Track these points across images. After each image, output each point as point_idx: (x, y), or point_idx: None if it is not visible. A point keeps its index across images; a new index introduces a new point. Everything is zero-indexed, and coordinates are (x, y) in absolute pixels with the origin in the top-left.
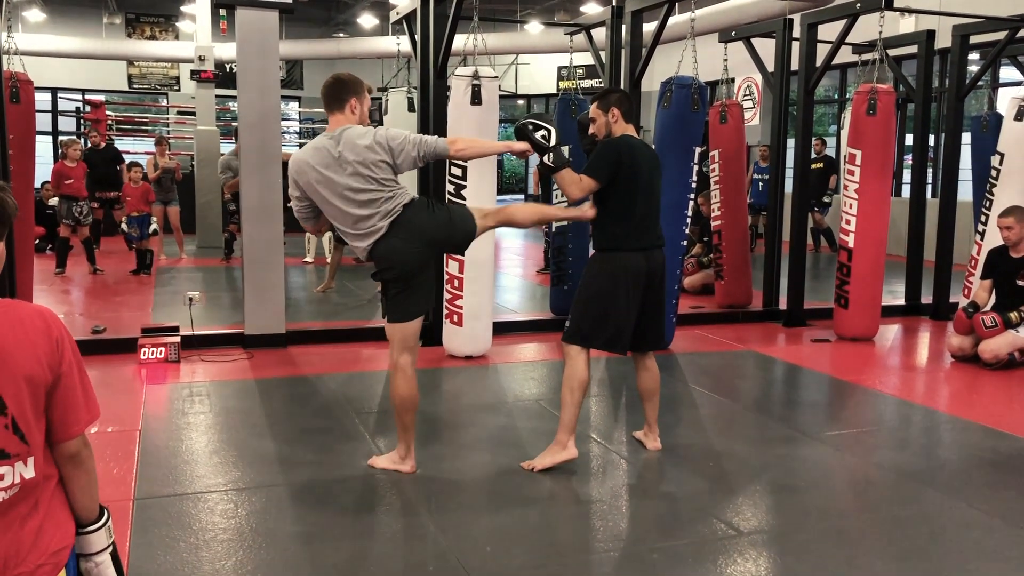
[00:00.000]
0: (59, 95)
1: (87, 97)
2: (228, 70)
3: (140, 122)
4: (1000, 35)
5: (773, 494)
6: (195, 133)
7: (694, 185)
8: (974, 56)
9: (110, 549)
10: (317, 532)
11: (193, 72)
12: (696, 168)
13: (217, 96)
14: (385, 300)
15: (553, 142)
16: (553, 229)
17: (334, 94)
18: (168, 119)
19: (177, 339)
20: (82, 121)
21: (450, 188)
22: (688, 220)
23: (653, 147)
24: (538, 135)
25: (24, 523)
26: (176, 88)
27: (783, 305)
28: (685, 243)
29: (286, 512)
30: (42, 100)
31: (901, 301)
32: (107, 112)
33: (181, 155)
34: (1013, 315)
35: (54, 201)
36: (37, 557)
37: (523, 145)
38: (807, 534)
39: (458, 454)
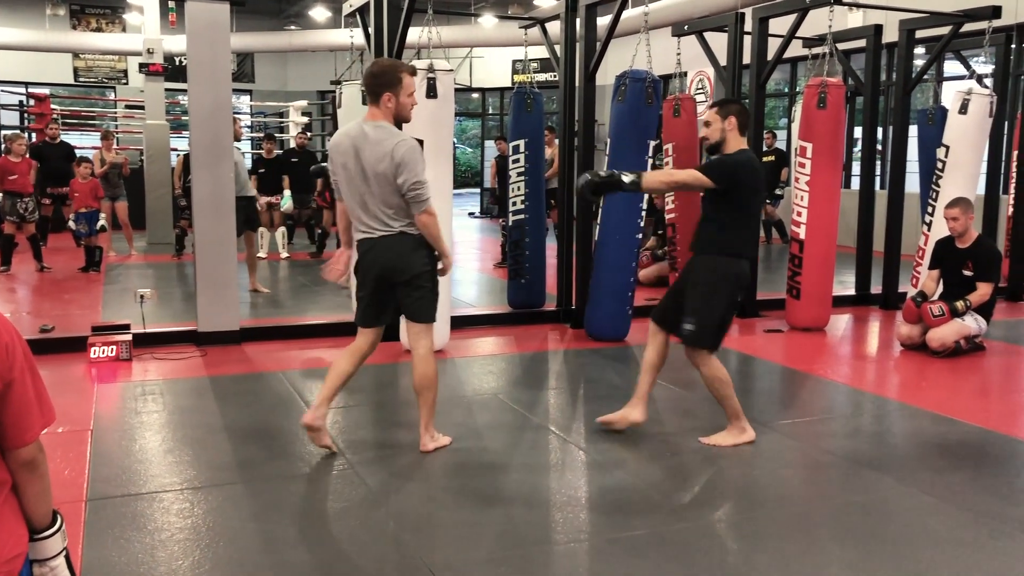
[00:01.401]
0: (1, 88)
1: (31, 91)
2: (178, 63)
3: (87, 116)
4: (944, 30)
5: (730, 483)
6: (144, 127)
7: None
8: (920, 51)
9: (64, 553)
10: (275, 530)
11: (141, 65)
12: (651, 161)
13: (167, 90)
14: (412, 300)
15: (624, 177)
16: (511, 223)
17: (368, 88)
18: (116, 113)
19: (128, 337)
20: (26, 115)
21: None
22: (643, 213)
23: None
24: (599, 181)
25: None
26: (124, 81)
27: None
28: (640, 236)
29: (243, 511)
30: None
31: (851, 291)
32: (52, 106)
33: (130, 150)
34: (959, 304)
35: None
36: None
37: (448, 267)
38: (764, 522)
39: (417, 449)
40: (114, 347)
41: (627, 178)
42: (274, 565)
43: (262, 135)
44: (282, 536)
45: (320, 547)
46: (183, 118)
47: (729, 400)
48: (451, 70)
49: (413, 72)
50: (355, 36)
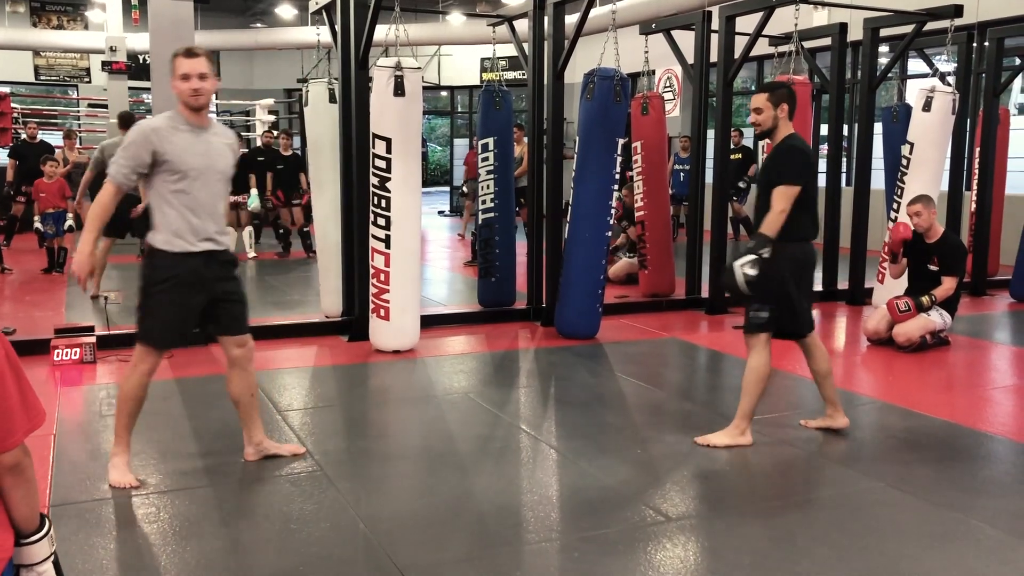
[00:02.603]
0: None
1: None
2: (141, 61)
3: (49, 115)
4: (908, 28)
5: (699, 479)
6: (108, 126)
7: (618, 176)
8: (884, 49)
9: (52, 558)
10: (244, 533)
11: (105, 63)
12: (620, 159)
13: (130, 88)
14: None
15: (756, 256)
16: (480, 221)
17: None
18: (79, 112)
19: (92, 339)
20: None
21: (374, 180)
22: (613, 211)
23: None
24: (748, 275)
25: None
26: (87, 80)
27: (705, 293)
28: (610, 233)
29: (211, 514)
30: None
31: (818, 287)
32: (12, 104)
33: (93, 149)
34: (925, 299)
35: None
36: None
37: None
38: (733, 517)
39: (387, 449)
40: (78, 349)
41: (766, 252)
42: (243, 569)
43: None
44: (251, 539)
45: (290, 550)
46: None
47: (752, 398)
48: (419, 68)
49: (188, 54)
50: (322, 34)
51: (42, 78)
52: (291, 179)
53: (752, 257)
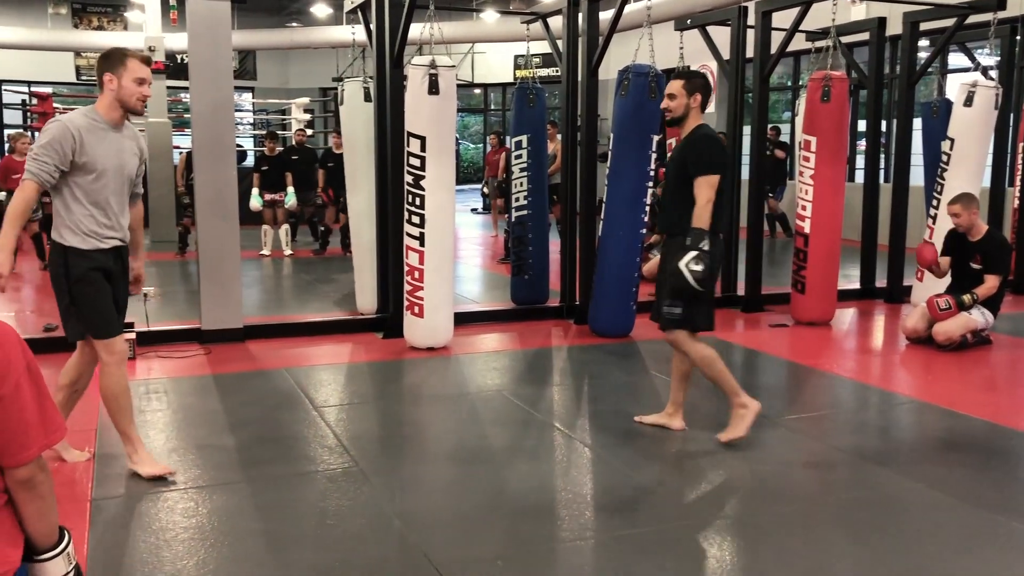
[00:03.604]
0: (3, 87)
1: (33, 89)
2: (179, 61)
3: None
4: (949, 22)
5: (735, 479)
6: (146, 125)
7: (652, 173)
8: (924, 43)
9: (71, 574)
10: (280, 529)
11: None
12: (654, 156)
13: (168, 88)
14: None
15: (697, 251)
16: (513, 219)
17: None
18: None
19: (132, 335)
20: (28, 114)
21: (409, 178)
22: (647, 208)
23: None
24: (695, 271)
25: None
26: None
27: (741, 291)
28: (644, 231)
29: (248, 510)
30: None
31: (856, 285)
32: (55, 104)
33: None
34: (966, 298)
35: (1, 195)
36: None
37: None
38: (769, 518)
39: (422, 445)
40: None
41: (705, 245)
42: (279, 564)
43: (264, 133)
44: (287, 535)
45: (326, 546)
46: (185, 116)
47: (723, 379)
48: (453, 66)
49: (145, 60)
50: (357, 33)
51: (83, 78)
52: (342, 177)
53: (694, 254)
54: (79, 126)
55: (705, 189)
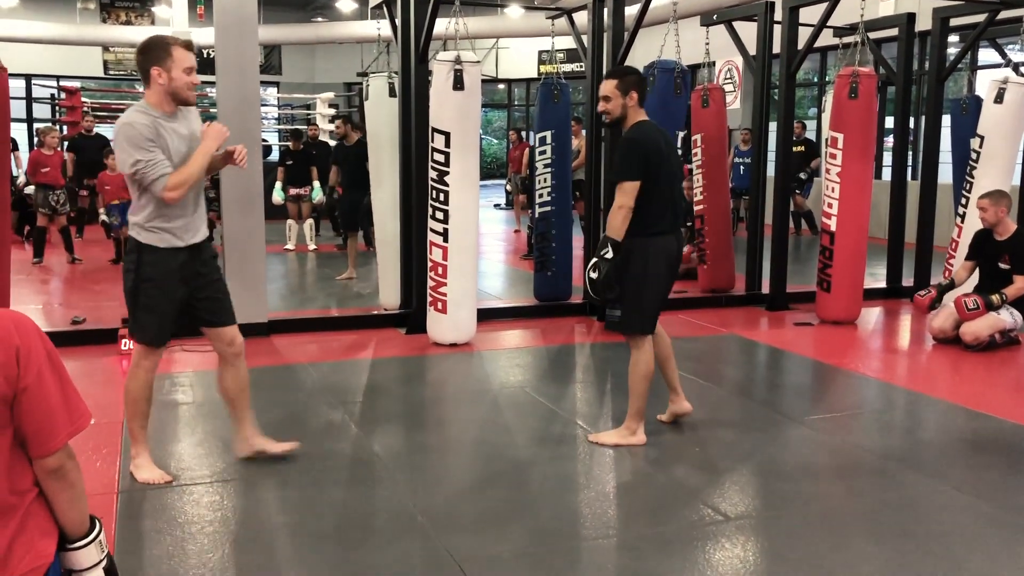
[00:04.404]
0: (33, 82)
1: (62, 84)
2: (205, 55)
3: (117, 109)
4: (980, 17)
5: (759, 479)
6: None
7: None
8: (953, 39)
9: (104, 563)
10: (304, 524)
11: None
12: (679, 153)
13: None
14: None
15: (598, 258)
16: (537, 215)
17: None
18: None
19: None
20: (57, 108)
21: (433, 174)
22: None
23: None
24: (591, 278)
25: None
26: None
27: (766, 289)
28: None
29: (273, 504)
30: (15, 87)
31: (882, 284)
32: (83, 99)
33: None
34: (995, 297)
35: (30, 189)
36: None
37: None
38: (794, 518)
39: (444, 441)
40: None
41: (608, 254)
42: (303, 559)
43: (290, 127)
44: (311, 530)
45: (349, 541)
46: (211, 110)
47: (640, 397)
48: (478, 62)
49: (189, 47)
50: (382, 28)
51: (111, 73)
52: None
53: (593, 260)
54: (143, 123)
55: (619, 195)
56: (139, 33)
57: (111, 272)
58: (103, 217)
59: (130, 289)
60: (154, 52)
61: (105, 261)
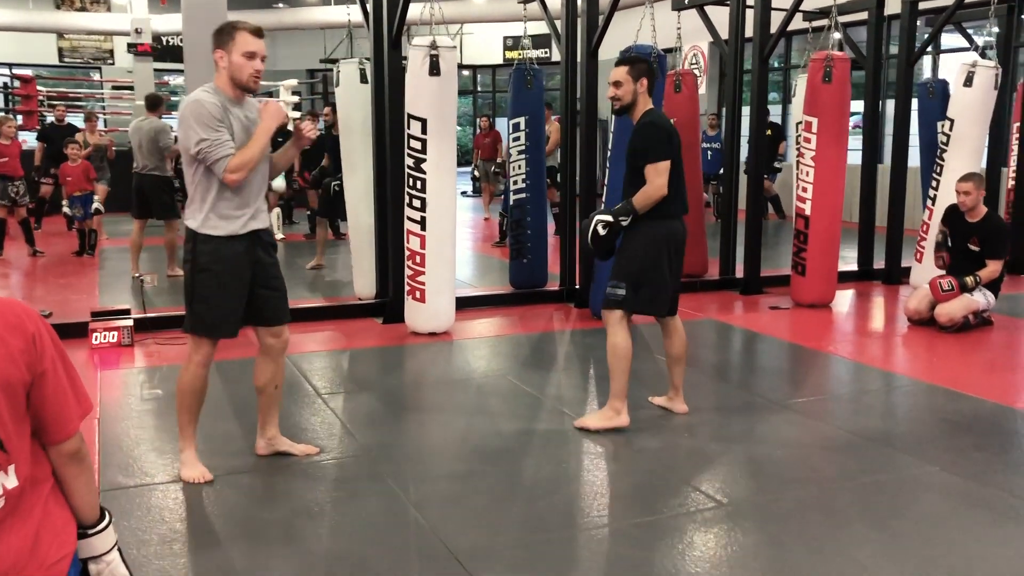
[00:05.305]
0: None
1: (15, 72)
2: (165, 43)
3: (74, 98)
4: (948, 1)
5: (749, 463)
6: (133, 109)
7: None
8: (918, 23)
9: (117, 547)
10: (294, 518)
11: (130, 45)
12: None
13: (155, 70)
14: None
15: (614, 218)
16: (512, 202)
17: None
18: (103, 94)
19: (130, 322)
20: (11, 97)
21: (409, 161)
22: None
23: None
24: (597, 232)
25: (15, 535)
26: (110, 62)
27: (740, 273)
28: None
29: (259, 499)
30: None
31: (854, 267)
32: (38, 87)
33: (118, 132)
34: (969, 279)
35: None
36: (34, 571)
37: (280, 116)
38: (787, 502)
39: (432, 433)
40: (116, 332)
41: (624, 220)
42: (295, 554)
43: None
44: (302, 524)
45: (342, 535)
46: (172, 99)
47: (621, 376)
48: (454, 47)
49: (256, 32)
50: (352, 13)
51: (66, 60)
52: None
53: (608, 218)
54: (212, 102)
55: (655, 175)
56: (94, 20)
57: (75, 265)
58: (65, 209)
59: (187, 279)
60: (220, 35)
61: (68, 253)
